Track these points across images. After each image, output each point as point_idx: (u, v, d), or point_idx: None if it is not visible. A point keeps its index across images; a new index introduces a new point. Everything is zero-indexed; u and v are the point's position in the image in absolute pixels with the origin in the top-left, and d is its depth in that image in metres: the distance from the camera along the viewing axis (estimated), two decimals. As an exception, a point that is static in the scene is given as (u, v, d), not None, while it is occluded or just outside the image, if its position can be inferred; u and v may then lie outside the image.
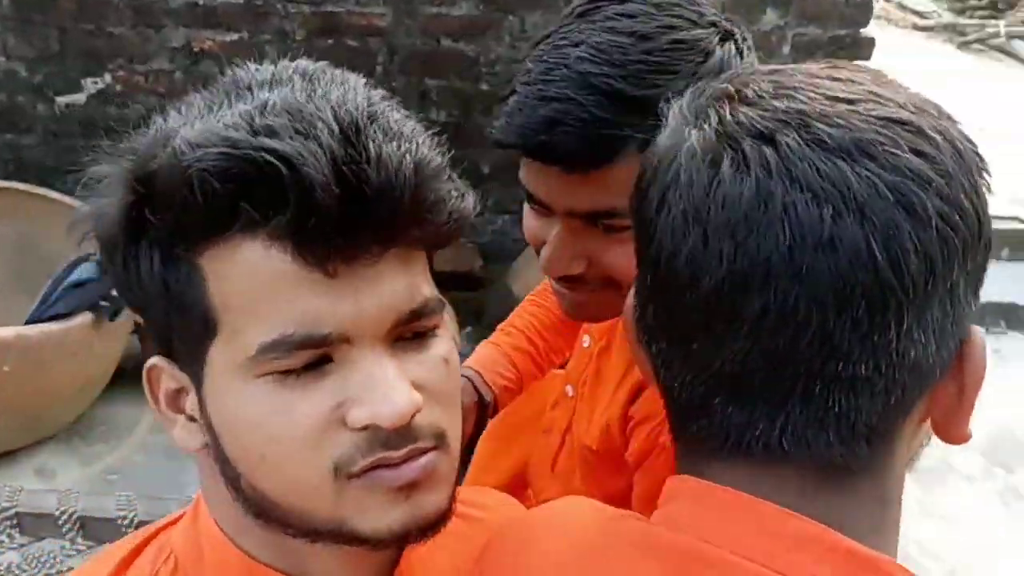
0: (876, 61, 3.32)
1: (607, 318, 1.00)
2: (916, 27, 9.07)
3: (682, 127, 0.57)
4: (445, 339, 0.61)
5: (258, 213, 0.53)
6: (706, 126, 0.55)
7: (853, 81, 0.55)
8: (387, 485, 0.57)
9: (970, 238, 0.52)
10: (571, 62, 0.81)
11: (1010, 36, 8.58)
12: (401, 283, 0.57)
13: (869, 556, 0.53)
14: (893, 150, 0.50)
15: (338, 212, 0.52)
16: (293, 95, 0.55)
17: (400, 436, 0.56)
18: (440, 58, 3.02)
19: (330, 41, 2.93)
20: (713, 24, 0.85)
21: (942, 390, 0.55)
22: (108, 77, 2.86)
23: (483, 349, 1.37)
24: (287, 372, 0.55)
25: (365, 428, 0.55)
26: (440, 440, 0.59)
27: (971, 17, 9.08)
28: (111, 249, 0.59)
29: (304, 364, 0.55)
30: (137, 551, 0.69)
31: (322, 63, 0.60)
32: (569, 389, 1.20)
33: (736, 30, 0.87)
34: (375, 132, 0.54)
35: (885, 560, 0.53)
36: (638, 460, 1.00)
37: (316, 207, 0.52)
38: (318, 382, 0.56)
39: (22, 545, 1.50)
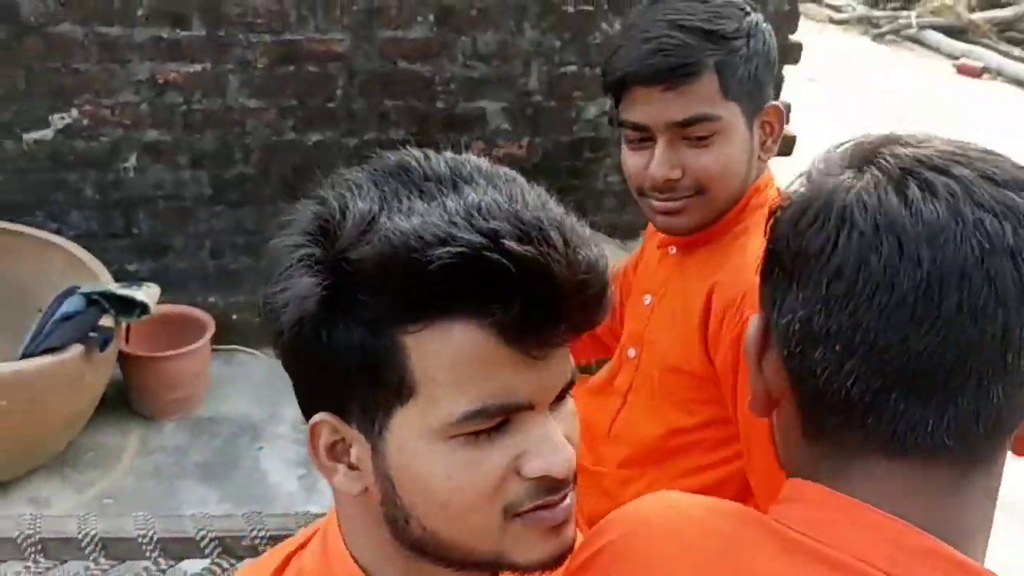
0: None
1: (693, 225, 1.28)
2: (832, 21, 9.44)
3: (833, 173, 0.67)
4: (570, 396, 0.72)
5: (486, 307, 0.59)
6: (881, 161, 0.66)
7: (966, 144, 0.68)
8: (546, 524, 0.66)
9: None
10: (660, 15, 1.21)
11: (921, 26, 9.01)
12: (567, 358, 0.67)
13: (976, 568, 0.63)
14: None
15: (562, 312, 0.61)
16: (500, 197, 0.62)
17: (561, 483, 0.66)
18: (397, 79, 3.14)
19: (291, 68, 3.03)
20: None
21: None
22: (75, 112, 2.91)
23: None
24: (477, 433, 0.63)
25: (537, 478, 0.65)
26: (575, 481, 0.69)
27: (884, 9, 9.49)
28: (300, 322, 0.63)
29: (492, 426, 0.64)
30: (278, 573, 0.77)
31: (483, 159, 0.68)
32: (631, 351, 1.38)
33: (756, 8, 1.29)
34: (577, 239, 0.62)
35: (988, 572, 0.64)
36: (734, 349, 1.17)
37: (545, 307, 0.60)
38: (501, 440, 0.64)
39: (47, 568, 1.59)
